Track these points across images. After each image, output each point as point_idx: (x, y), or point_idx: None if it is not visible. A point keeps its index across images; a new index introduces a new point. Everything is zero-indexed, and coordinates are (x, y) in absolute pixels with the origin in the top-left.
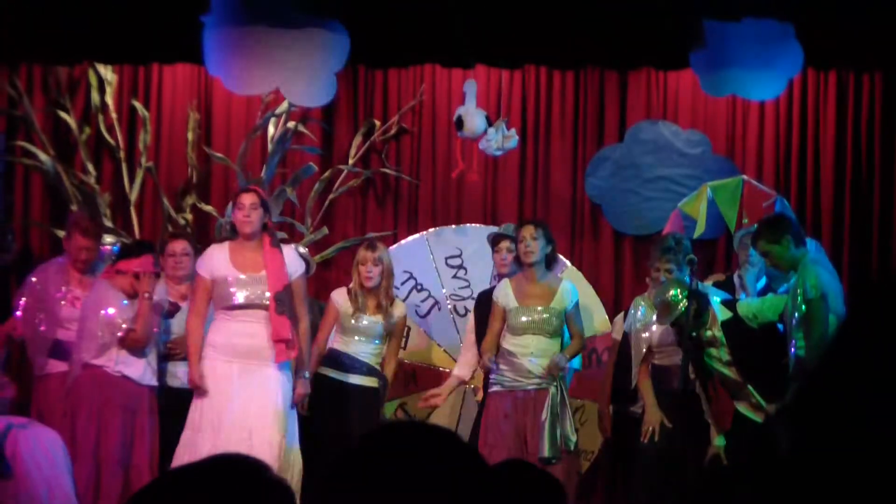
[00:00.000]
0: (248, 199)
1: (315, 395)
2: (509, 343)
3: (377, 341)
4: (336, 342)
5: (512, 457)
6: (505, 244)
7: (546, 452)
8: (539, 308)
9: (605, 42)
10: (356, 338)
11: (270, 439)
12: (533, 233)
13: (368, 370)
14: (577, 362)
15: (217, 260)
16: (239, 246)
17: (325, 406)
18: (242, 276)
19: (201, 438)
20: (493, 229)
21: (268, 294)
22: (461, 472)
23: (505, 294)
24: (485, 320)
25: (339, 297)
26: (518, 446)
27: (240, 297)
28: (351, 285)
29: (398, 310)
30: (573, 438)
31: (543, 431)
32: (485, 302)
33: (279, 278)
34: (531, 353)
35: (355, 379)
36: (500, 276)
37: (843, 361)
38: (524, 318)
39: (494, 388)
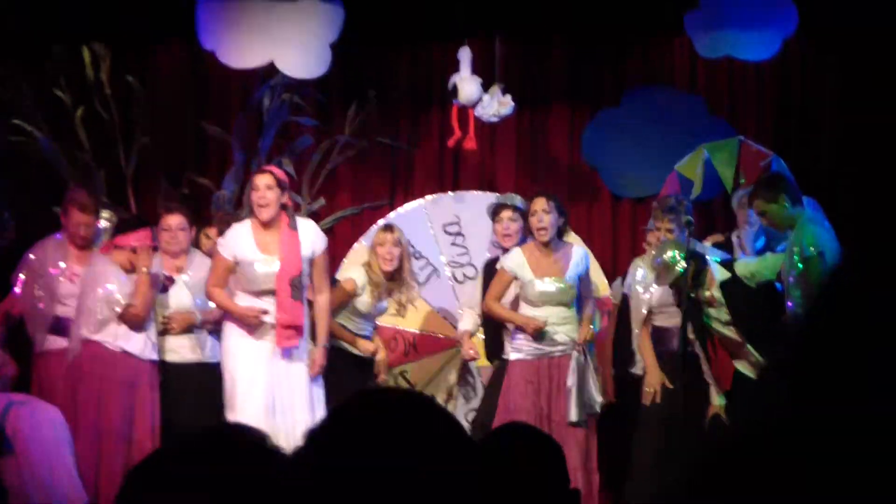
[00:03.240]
0: (262, 180)
1: (336, 367)
2: (528, 315)
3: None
4: (342, 318)
5: (531, 422)
6: (507, 213)
7: (574, 417)
8: (555, 279)
9: (602, 6)
10: (367, 320)
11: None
12: (545, 206)
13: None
14: (595, 325)
15: (241, 242)
16: (260, 226)
17: (346, 377)
18: (268, 259)
19: (243, 417)
20: (491, 196)
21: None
22: (439, 439)
23: (520, 265)
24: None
25: (360, 279)
26: (539, 411)
27: (267, 281)
28: (366, 265)
29: (414, 287)
30: (598, 400)
31: (571, 396)
32: (488, 271)
33: (294, 264)
34: (552, 322)
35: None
36: (502, 248)
37: (835, 310)
38: (542, 291)
39: (516, 356)
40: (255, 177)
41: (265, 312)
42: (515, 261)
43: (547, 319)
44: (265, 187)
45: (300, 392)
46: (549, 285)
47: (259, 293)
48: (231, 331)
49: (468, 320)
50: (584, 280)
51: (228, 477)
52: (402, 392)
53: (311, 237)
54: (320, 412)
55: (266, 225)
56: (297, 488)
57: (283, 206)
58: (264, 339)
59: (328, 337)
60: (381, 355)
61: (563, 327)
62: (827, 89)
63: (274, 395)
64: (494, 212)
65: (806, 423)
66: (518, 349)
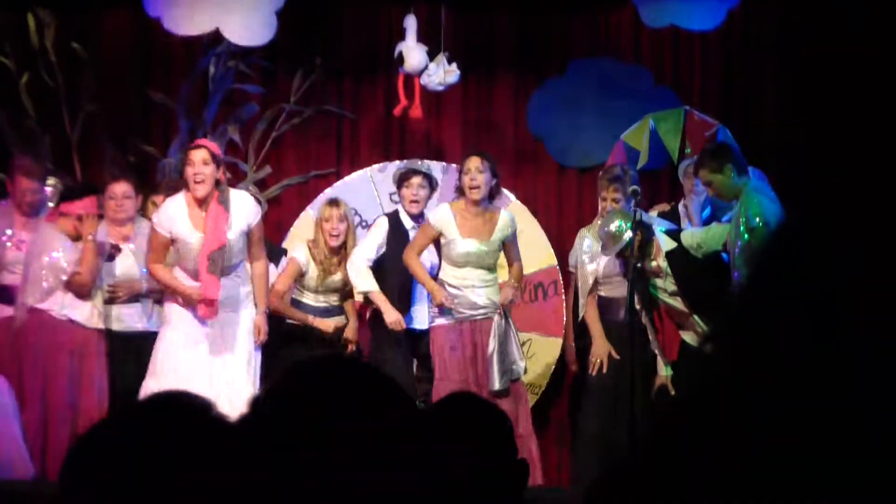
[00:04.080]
0: (197, 155)
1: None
2: (449, 276)
3: (343, 291)
4: (299, 295)
5: (462, 388)
6: (417, 179)
7: (497, 385)
8: (480, 241)
9: None
10: (323, 294)
11: (247, 392)
12: (479, 164)
13: (339, 311)
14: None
15: (176, 219)
16: (193, 202)
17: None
18: (200, 236)
19: (163, 383)
20: (438, 164)
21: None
22: (385, 409)
23: (447, 221)
24: (393, 242)
25: (302, 257)
26: (468, 377)
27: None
28: (310, 240)
29: None
30: (521, 365)
31: (492, 363)
32: (394, 226)
33: (216, 238)
34: (472, 285)
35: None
36: (410, 215)
37: (773, 276)
38: (465, 251)
39: (438, 321)
40: (189, 152)
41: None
42: (443, 217)
43: (467, 281)
44: (201, 162)
45: (240, 361)
46: (472, 245)
47: (196, 271)
48: (172, 298)
49: (368, 278)
50: (509, 244)
51: (173, 445)
52: (349, 360)
53: (245, 210)
54: (257, 382)
55: (200, 200)
56: (242, 455)
57: (217, 182)
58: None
59: (267, 304)
60: (350, 324)
61: (484, 290)
62: (771, 59)
63: (213, 365)
64: (403, 177)
65: (743, 390)
66: (439, 314)
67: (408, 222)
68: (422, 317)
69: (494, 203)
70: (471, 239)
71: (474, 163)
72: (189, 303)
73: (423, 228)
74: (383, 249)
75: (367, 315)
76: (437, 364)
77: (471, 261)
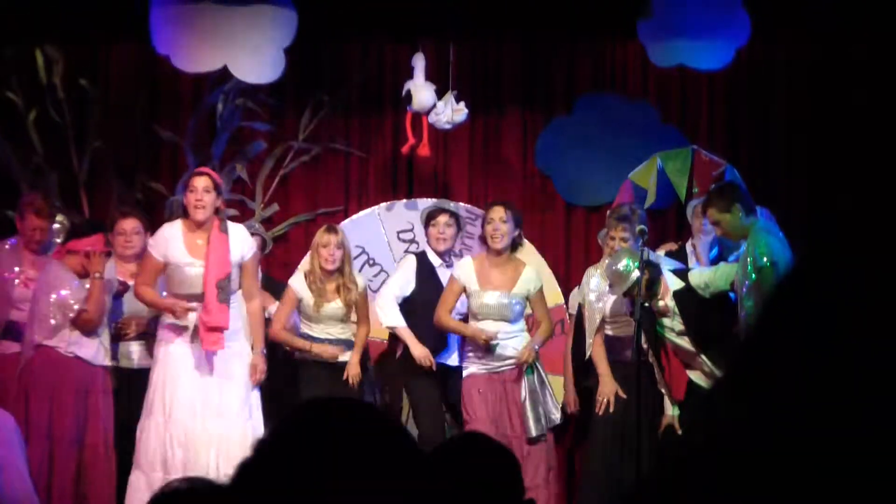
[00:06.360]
0: (200, 182)
1: (305, 379)
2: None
3: (343, 320)
4: (305, 327)
5: (492, 432)
6: (443, 218)
7: (533, 432)
8: (500, 294)
9: (553, 12)
10: (323, 323)
11: (243, 428)
12: (503, 215)
13: (346, 345)
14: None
15: (171, 243)
16: (192, 228)
17: (318, 388)
18: (197, 263)
19: (153, 423)
20: (447, 204)
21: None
22: (385, 450)
23: (467, 274)
24: (421, 280)
25: (298, 284)
26: (498, 424)
27: (196, 284)
28: (307, 269)
29: (358, 285)
30: (557, 414)
31: (526, 411)
32: (421, 263)
33: (221, 267)
34: (499, 338)
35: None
36: (436, 253)
37: (782, 321)
38: (485, 303)
39: (470, 370)
40: (192, 178)
41: (192, 309)
42: (464, 269)
43: (497, 333)
44: (202, 189)
45: (236, 395)
46: (491, 298)
47: (188, 297)
48: (162, 336)
49: (394, 313)
50: (535, 301)
51: None
52: (347, 402)
53: (240, 242)
54: (257, 416)
55: (197, 227)
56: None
57: (216, 210)
58: (195, 344)
59: (264, 342)
60: (352, 358)
61: (510, 342)
62: (779, 99)
63: (205, 399)
64: (430, 215)
65: (749, 431)
66: (470, 363)
67: (435, 260)
68: (455, 354)
69: (517, 256)
70: (491, 291)
71: (498, 213)
72: (174, 315)
73: (449, 284)
74: (412, 286)
75: (399, 351)
76: (468, 409)
77: (489, 313)
